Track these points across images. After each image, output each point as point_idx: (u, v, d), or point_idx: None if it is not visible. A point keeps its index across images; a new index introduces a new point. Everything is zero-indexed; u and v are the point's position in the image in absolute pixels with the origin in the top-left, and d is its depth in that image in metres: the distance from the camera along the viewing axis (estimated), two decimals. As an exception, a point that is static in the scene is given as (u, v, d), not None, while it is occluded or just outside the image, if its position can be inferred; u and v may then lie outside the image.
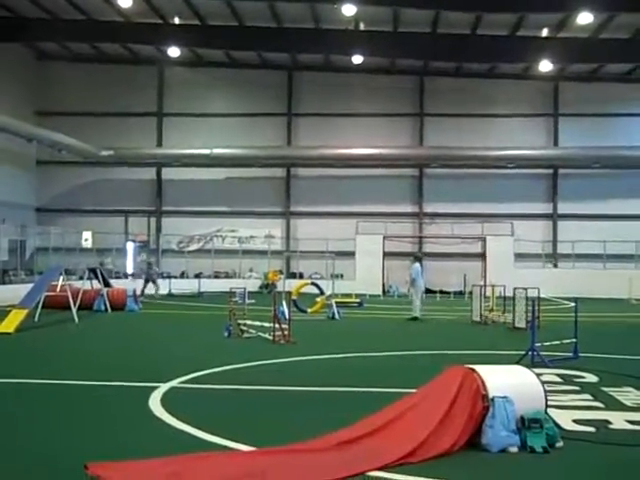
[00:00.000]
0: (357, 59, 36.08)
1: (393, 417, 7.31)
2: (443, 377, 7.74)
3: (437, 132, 40.20)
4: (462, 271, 37.00)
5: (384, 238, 38.14)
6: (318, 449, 6.98)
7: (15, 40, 36.14)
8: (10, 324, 18.03)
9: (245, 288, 19.84)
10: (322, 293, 25.80)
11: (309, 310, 24.36)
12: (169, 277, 37.16)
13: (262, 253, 39.95)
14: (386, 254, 37.90)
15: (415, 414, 7.28)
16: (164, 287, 34.75)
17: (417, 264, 23.48)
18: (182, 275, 39.47)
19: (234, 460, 6.69)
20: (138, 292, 28.98)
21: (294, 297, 22.46)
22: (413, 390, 8.34)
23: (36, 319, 20.00)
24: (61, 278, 23.23)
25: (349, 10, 29.87)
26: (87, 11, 32.67)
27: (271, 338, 16.08)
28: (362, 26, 32.86)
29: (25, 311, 18.97)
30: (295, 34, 33.29)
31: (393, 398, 8.25)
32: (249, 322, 17.39)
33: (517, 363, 11.10)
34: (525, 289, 19.29)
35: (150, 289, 32.31)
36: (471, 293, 23.91)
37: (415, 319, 22.33)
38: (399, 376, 11.74)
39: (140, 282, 32.57)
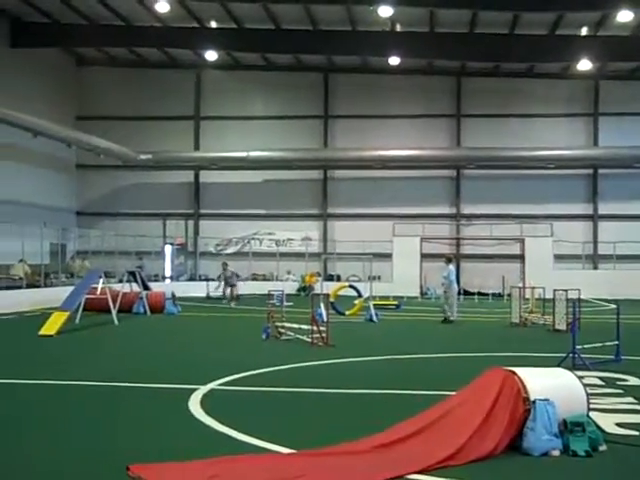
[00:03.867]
0: (394, 60, 35.97)
1: (432, 420, 7.26)
2: (482, 380, 7.67)
3: (474, 133, 39.93)
4: (500, 273, 36.65)
5: (421, 240, 37.95)
6: (357, 452, 6.97)
7: (55, 46, 36.71)
8: (52, 327, 18.25)
9: (283, 291, 19.89)
10: (360, 295, 25.74)
11: (347, 312, 24.32)
12: (207, 280, 37.33)
13: (299, 255, 39.98)
14: (423, 256, 37.70)
15: (455, 417, 7.23)
16: (201, 289, 34.91)
17: (451, 266, 23.32)
18: (220, 278, 39.55)
19: (274, 462, 6.70)
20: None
21: (332, 299, 22.46)
22: (452, 393, 8.28)
23: (77, 322, 20.24)
24: (101, 281, 23.48)
25: (385, 11, 29.78)
26: (125, 17, 33.00)
27: (309, 340, 16.07)
28: (398, 27, 32.76)
29: (66, 314, 19.20)
30: (331, 36, 33.30)
31: (432, 401, 8.20)
32: (287, 324, 17.41)
33: (558, 366, 10.97)
34: (565, 291, 19.07)
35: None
36: (510, 295, 23.69)
37: (447, 321, 22.10)
38: (438, 379, 11.66)
39: (177, 285, 32.75)
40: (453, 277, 22.90)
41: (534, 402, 7.02)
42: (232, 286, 30.71)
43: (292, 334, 16.93)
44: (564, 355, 12.59)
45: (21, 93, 33.04)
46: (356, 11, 31.49)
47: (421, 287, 37.48)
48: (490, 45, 32.34)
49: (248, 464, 6.53)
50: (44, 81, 36.78)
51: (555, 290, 19.57)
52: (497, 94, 39.28)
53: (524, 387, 7.16)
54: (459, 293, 37.77)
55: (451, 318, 22.21)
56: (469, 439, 6.83)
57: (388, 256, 37.09)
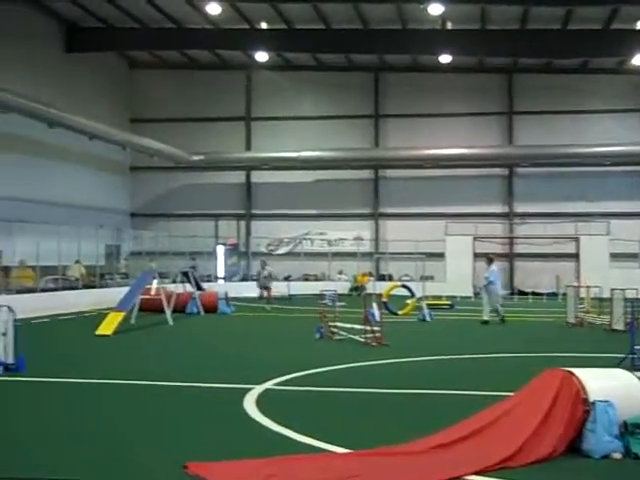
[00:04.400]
0: (445, 58, 35.71)
1: (490, 421, 7.19)
2: (540, 380, 7.57)
3: (527, 130, 39.42)
4: (555, 272, 36.17)
5: (474, 239, 37.62)
6: (414, 452, 6.94)
7: (109, 50, 37.23)
8: (108, 327, 18.55)
9: (335, 290, 19.89)
10: (412, 295, 25.65)
11: (400, 312, 24.25)
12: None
13: (351, 255, 39.93)
14: (476, 255, 37.38)
15: (512, 418, 7.15)
16: (253, 290, 35.05)
17: (494, 266, 22.74)
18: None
19: (330, 462, 6.70)
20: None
21: (385, 299, 22.41)
22: (508, 393, 8.19)
23: (132, 321, 20.51)
24: (155, 282, 23.75)
25: (436, 9, 29.55)
26: (177, 19, 33.31)
27: (362, 340, 16.06)
28: (449, 25, 32.49)
29: (122, 314, 19.48)
30: (382, 35, 33.15)
31: (488, 401, 8.13)
32: (340, 324, 17.41)
33: (617, 366, 10.77)
34: (623, 290, 18.73)
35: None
36: (565, 294, 23.35)
37: (502, 321, 21.70)
38: (493, 379, 11.56)
39: (230, 285, 32.94)
40: (494, 278, 22.39)
41: (594, 403, 6.91)
42: (266, 288, 29.64)
43: (345, 334, 16.92)
44: (623, 356, 12.37)
45: (77, 97, 33.60)
46: (406, 9, 31.33)
47: (474, 287, 37.13)
48: (542, 41, 31.84)
49: (304, 464, 6.54)
50: (98, 85, 37.33)
51: (612, 289, 19.22)
52: (550, 91, 38.70)
53: (583, 388, 7.05)
54: (512, 293, 37.69)
55: (485, 318, 21.60)
56: (527, 440, 6.75)
57: (440, 255, 36.84)
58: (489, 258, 23.12)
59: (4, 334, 11.95)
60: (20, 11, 30.32)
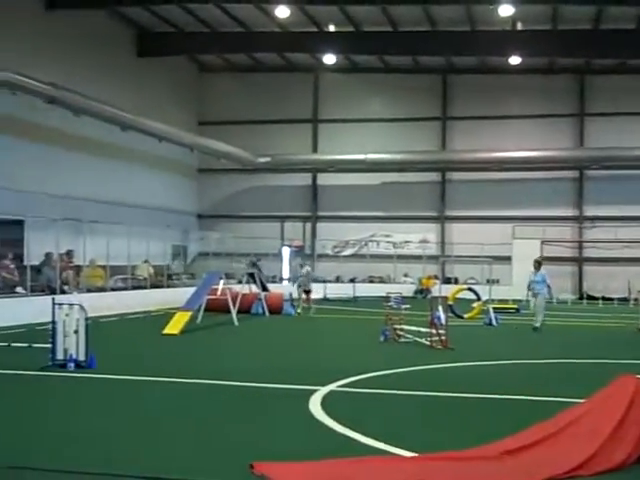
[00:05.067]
0: (514, 60, 35.26)
1: (561, 427, 7.03)
2: (612, 387, 7.38)
3: (598, 132, 38.60)
4: (626, 276, 35.36)
5: (542, 243, 37.01)
6: (480, 457, 6.83)
7: (179, 54, 37.78)
8: (175, 326, 18.81)
9: (401, 293, 19.80)
10: (479, 299, 25.38)
11: (466, 316, 24.03)
12: (324, 282, 37.57)
13: (417, 258, 39.72)
14: (544, 259, 36.70)
15: (583, 425, 6.97)
16: (318, 291, 35.14)
17: (543, 270, 21.77)
18: (337, 280, 39.82)
19: (396, 465, 6.65)
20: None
21: (450, 302, 22.20)
22: (577, 400, 8.02)
23: (198, 321, 20.72)
24: (221, 282, 23.97)
25: (506, 10, 29.22)
26: (246, 23, 33.60)
27: (428, 343, 15.95)
28: (520, 26, 32.07)
29: (189, 314, 19.72)
30: (450, 37, 32.91)
31: (557, 408, 7.96)
32: (405, 327, 17.33)
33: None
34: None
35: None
36: (637, 300, 22.80)
37: (537, 329, 20.75)
38: (562, 385, 11.33)
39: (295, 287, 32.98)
40: (545, 282, 21.42)
41: (669, 411, 6.70)
42: (306, 292, 28.20)
43: (410, 337, 16.84)
44: (698, 364, 12.01)
45: (147, 100, 34.19)
46: (475, 11, 31.02)
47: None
48: (616, 41, 31.15)
49: (371, 466, 6.50)
50: (168, 88, 37.92)
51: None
52: (624, 92, 37.82)
53: (658, 395, 6.85)
54: (580, 297, 36.98)
55: (536, 325, 20.76)
56: (599, 449, 6.57)
57: (507, 259, 36.37)
58: (537, 262, 22.21)
59: (76, 332, 12.20)
60: (95, 18, 31.01)
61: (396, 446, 7.31)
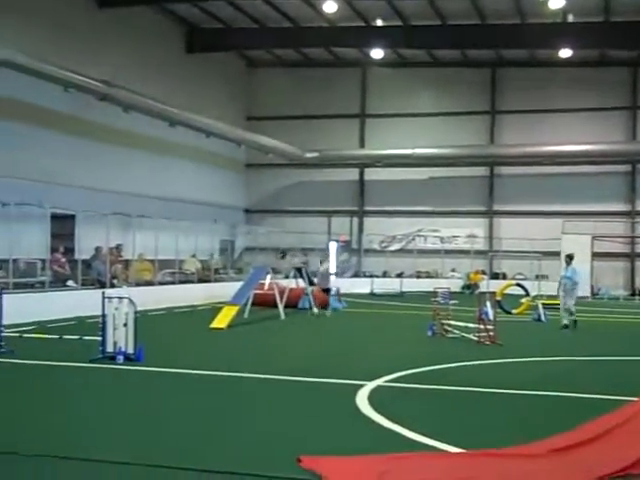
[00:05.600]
0: (565, 53, 34.76)
1: (611, 426, 6.91)
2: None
3: (653, 126, 37.96)
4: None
5: (592, 238, 36.46)
6: (528, 455, 6.75)
7: (228, 50, 38.00)
8: (222, 320, 18.93)
9: (449, 288, 19.68)
10: (527, 294, 25.11)
11: (514, 311, 23.80)
12: (371, 276, 37.57)
13: (464, 253, 39.45)
14: (595, 255, 36.23)
15: (636, 425, 6.85)
16: (365, 286, 35.13)
17: (574, 265, 20.98)
18: (384, 275, 39.76)
19: (444, 461, 6.61)
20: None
21: (498, 298, 22.01)
22: (629, 398, 7.88)
23: (246, 315, 20.81)
24: (268, 277, 24.02)
25: (557, 3, 28.83)
26: (294, 18, 33.64)
27: (475, 339, 15.84)
28: (570, 18, 31.59)
29: (236, 308, 19.83)
30: (499, 30, 32.56)
31: (610, 406, 7.83)
32: (453, 322, 17.23)
33: None
34: None
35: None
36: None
37: (567, 327, 20.13)
38: (615, 383, 11.14)
39: (341, 281, 32.97)
40: (578, 278, 20.77)
41: None
42: (324, 290, 25.22)
43: (458, 332, 16.73)
44: None
45: (196, 96, 34.42)
46: (525, 3, 30.65)
47: (592, 287, 36.00)
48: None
49: (419, 462, 6.47)
50: (216, 84, 38.15)
51: None
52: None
53: None
54: (632, 294, 36.36)
55: (565, 322, 20.17)
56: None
57: (556, 254, 35.85)
58: (569, 257, 21.40)
59: (125, 325, 12.36)
60: (145, 15, 31.36)
61: (443, 442, 7.27)
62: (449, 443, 7.21)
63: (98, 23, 28.73)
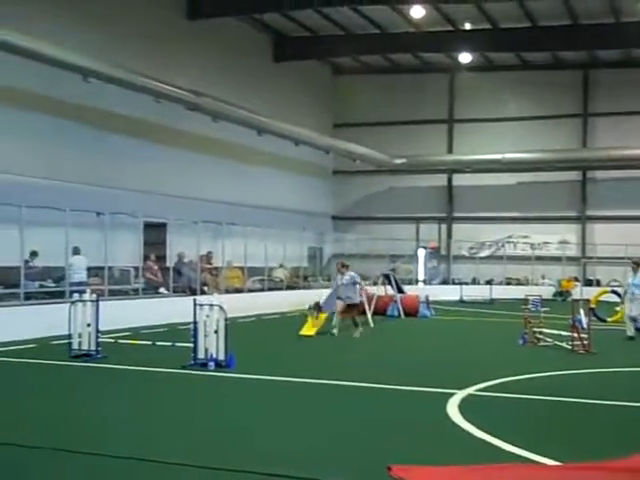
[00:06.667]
0: (661, 52, 33.80)
1: None
2: None
3: None
4: None
5: (693, 244, 35.12)
6: (626, 469, 6.51)
7: (314, 58, 38.20)
8: (311, 327, 18.98)
9: (540, 295, 19.27)
10: (623, 302, 24.33)
11: (609, 319, 23.14)
12: (460, 283, 37.15)
13: (556, 259, 38.59)
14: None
15: None
16: (454, 293, 34.70)
17: None
18: (473, 281, 39.26)
19: (538, 473, 6.44)
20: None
21: (592, 305, 21.41)
22: None
23: (334, 323, 20.78)
24: (357, 287, 23.93)
25: (652, 1, 28.04)
26: (380, 24, 33.57)
27: (569, 347, 15.45)
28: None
29: (325, 315, 19.82)
30: (592, 30, 31.77)
31: None
32: (545, 330, 16.85)
33: None
34: None
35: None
36: None
37: (633, 339, 18.78)
38: None
39: (430, 288, 32.68)
40: None
41: None
42: (351, 305, 19.36)
43: (550, 340, 16.36)
44: None
45: (283, 104, 34.73)
46: (619, 2, 29.84)
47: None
48: None
49: (513, 473, 6.32)
50: (303, 92, 38.40)
51: None
52: None
53: None
54: None
55: (629, 333, 18.88)
56: None
57: (654, 261, 34.74)
58: (636, 263, 19.48)
59: (216, 332, 12.50)
60: (233, 25, 31.82)
61: (537, 453, 7.08)
62: (542, 455, 7.02)
63: (187, 34, 29.30)
